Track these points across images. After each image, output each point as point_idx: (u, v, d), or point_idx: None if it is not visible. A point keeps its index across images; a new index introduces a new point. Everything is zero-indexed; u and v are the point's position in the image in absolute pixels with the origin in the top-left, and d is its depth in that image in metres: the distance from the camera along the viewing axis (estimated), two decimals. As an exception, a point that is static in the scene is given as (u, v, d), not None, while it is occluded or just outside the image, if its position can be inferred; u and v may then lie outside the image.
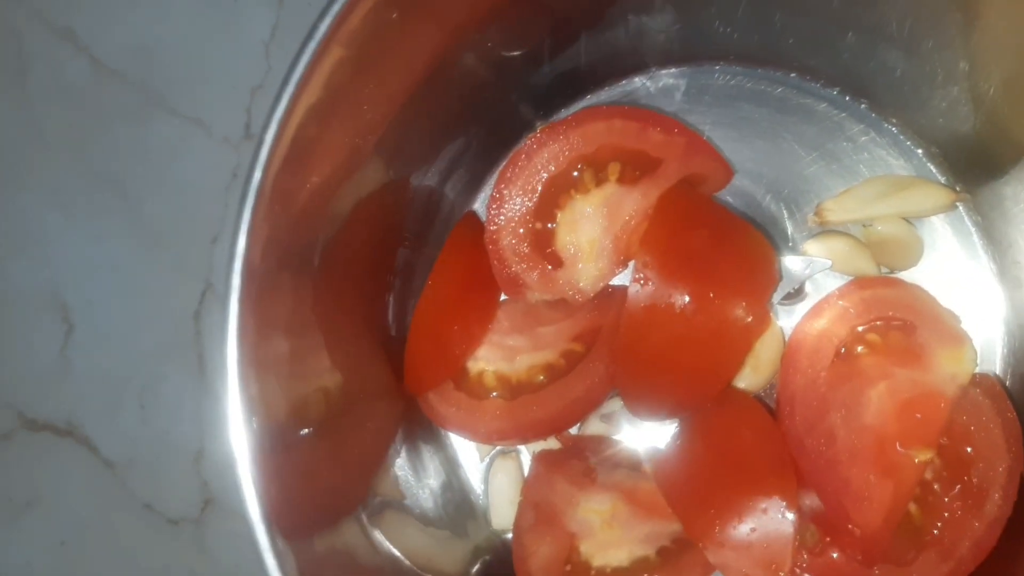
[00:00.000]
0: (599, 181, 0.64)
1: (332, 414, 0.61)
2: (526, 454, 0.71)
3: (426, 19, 0.57)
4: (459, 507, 0.72)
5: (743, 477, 0.60)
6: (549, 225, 0.65)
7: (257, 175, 0.48)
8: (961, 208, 0.69)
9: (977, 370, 0.62)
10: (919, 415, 0.60)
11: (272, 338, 0.54)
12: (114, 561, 0.83)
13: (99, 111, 0.82)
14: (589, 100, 0.72)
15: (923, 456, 0.59)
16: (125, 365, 0.83)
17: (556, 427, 0.66)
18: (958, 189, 0.69)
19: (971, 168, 0.68)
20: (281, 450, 0.54)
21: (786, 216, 0.70)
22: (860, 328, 0.62)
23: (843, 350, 0.62)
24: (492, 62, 0.66)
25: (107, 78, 0.82)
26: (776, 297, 0.67)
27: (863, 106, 0.70)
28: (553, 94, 0.72)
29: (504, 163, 0.65)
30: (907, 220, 0.68)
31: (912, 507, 0.61)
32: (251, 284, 0.51)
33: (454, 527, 0.71)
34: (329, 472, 0.61)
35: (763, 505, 0.58)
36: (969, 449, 0.61)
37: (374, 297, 0.68)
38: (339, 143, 0.57)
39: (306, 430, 0.58)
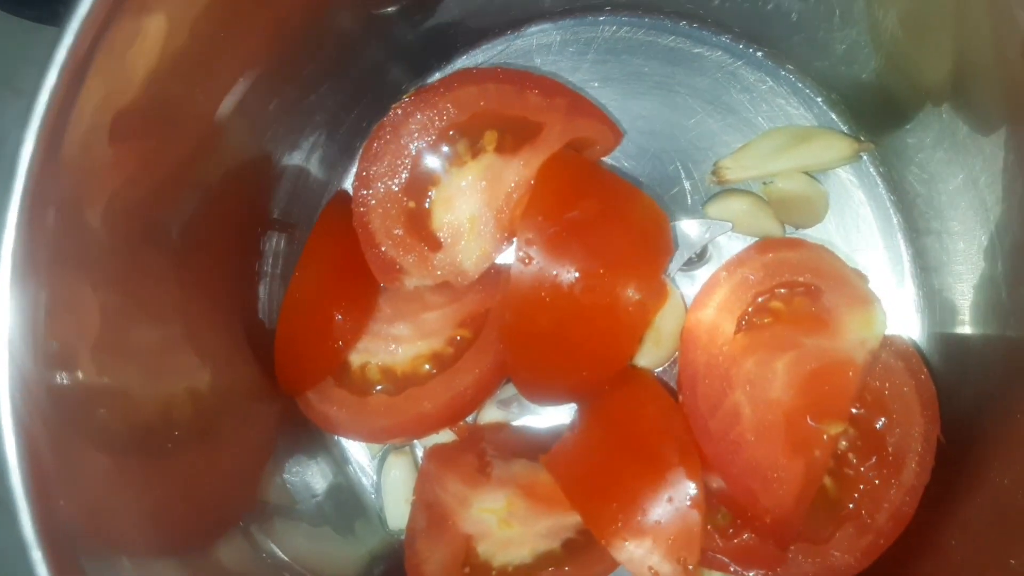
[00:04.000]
0: (475, 152, 0.59)
1: (203, 417, 0.56)
2: (421, 447, 0.66)
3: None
4: (351, 509, 0.68)
5: (644, 465, 0.55)
6: (424, 203, 0.59)
7: (36, 120, 0.40)
8: (866, 158, 0.65)
9: (888, 331, 0.59)
10: (829, 385, 0.56)
11: (134, 324, 0.50)
12: None
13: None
14: (464, 61, 0.67)
15: (835, 429, 0.56)
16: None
17: (447, 420, 0.62)
18: (862, 139, 0.65)
19: (875, 116, 0.65)
20: (153, 455, 0.50)
21: (683, 177, 0.66)
22: (763, 296, 0.58)
23: (745, 321, 0.58)
24: (360, 18, 0.60)
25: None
26: (675, 265, 0.63)
27: (759, 54, 0.66)
28: (426, 53, 0.67)
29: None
30: (810, 174, 0.64)
31: (827, 481, 0.58)
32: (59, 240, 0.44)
33: (347, 530, 0.67)
34: (207, 481, 0.56)
35: (667, 494, 0.54)
36: (883, 416, 0.58)
37: (243, 285, 0.63)
38: (187, 98, 0.50)
39: (176, 433, 0.53)
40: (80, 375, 0.46)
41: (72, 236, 0.45)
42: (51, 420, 0.43)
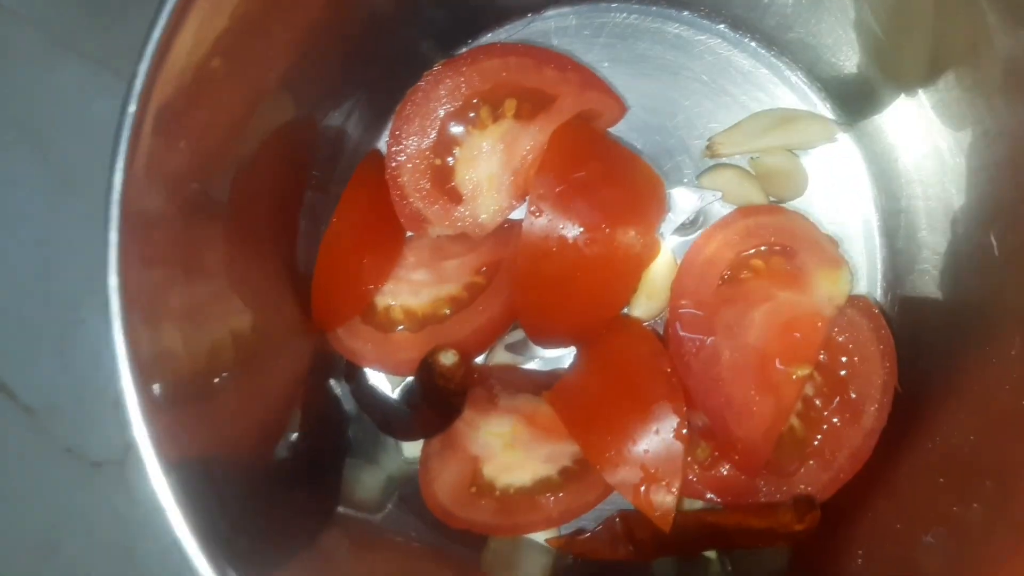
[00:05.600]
0: (496, 117, 0.66)
1: (244, 355, 0.61)
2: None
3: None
4: (372, 438, 0.74)
5: (635, 401, 0.63)
6: (448, 161, 0.66)
7: (132, 107, 0.47)
8: (845, 139, 0.72)
9: (854, 292, 0.66)
10: (798, 334, 0.63)
11: (190, 285, 0.55)
12: (37, 506, 0.84)
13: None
14: (489, 38, 0.73)
15: (801, 372, 0.63)
16: (41, 311, 0.83)
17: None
18: (841, 121, 0.72)
19: (855, 101, 0.71)
20: (201, 398, 0.55)
21: (680, 150, 0.72)
22: (744, 253, 0.65)
23: (728, 274, 0.65)
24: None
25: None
26: (670, 228, 0.70)
27: (753, 43, 0.73)
28: (454, 31, 0.73)
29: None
30: (792, 152, 0.71)
31: (795, 421, 0.65)
32: (147, 227, 0.50)
33: (368, 456, 0.73)
34: (247, 414, 0.61)
35: (655, 427, 0.61)
36: (847, 366, 0.65)
37: (284, 237, 0.69)
38: (239, 75, 0.56)
39: (224, 374, 0.58)
40: (157, 339, 0.50)
41: (143, 207, 0.49)
42: (160, 398, 0.48)
